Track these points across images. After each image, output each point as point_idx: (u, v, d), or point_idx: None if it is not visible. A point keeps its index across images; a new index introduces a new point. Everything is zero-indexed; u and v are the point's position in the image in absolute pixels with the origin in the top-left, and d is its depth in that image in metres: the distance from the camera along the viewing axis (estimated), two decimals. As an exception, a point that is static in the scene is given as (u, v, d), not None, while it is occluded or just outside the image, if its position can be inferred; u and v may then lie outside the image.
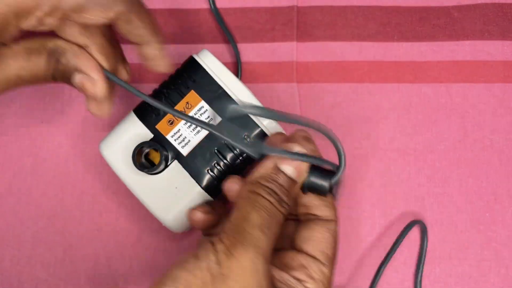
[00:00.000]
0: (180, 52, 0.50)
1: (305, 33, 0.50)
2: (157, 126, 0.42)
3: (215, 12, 0.50)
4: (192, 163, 0.42)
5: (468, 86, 0.49)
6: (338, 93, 0.49)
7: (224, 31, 0.50)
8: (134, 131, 0.43)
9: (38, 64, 0.36)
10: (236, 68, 0.50)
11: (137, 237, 0.48)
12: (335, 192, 0.38)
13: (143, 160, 0.43)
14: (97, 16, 0.35)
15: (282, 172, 0.36)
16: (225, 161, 0.42)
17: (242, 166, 0.43)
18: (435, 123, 0.49)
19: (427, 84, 0.49)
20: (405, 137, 0.49)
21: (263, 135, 0.43)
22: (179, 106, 0.42)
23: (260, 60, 0.50)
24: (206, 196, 0.42)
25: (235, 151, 0.42)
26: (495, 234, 0.47)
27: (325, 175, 0.37)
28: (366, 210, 0.48)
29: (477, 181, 0.48)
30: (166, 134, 0.42)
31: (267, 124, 0.43)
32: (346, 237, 0.48)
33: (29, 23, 0.34)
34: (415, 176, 0.48)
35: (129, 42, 0.38)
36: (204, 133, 0.42)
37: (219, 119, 0.42)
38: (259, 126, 0.42)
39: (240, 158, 0.43)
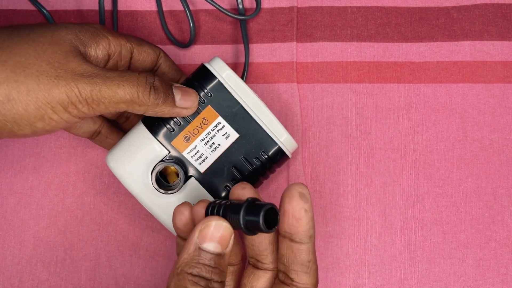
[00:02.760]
0: (180, 52, 0.50)
1: (305, 34, 0.50)
2: (173, 143, 0.41)
3: (242, 20, 0.49)
4: (209, 180, 0.42)
5: (468, 86, 0.50)
6: (337, 93, 0.50)
7: (242, 33, 0.49)
8: (148, 147, 0.42)
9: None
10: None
11: (138, 237, 0.48)
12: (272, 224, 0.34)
13: (158, 177, 0.42)
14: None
15: (205, 251, 0.34)
16: (241, 175, 0.42)
17: (258, 178, 0.43)
18: (435, 123, 0.49)
19: (427, 84, 0.50)
20: (404, 137, 0.49)
21: (280, 152, 0.43)
22: (196, 122, 0.41)
23: (260, 60, 0.50)
24: None
25: (253, 166, 0.42)
26: (494, 233, 0.48)
27: (256, 211, 0.33)
28: (366, 210, 0.48)
29: (476, 181, 0.48)
30: (183, 151, 0.41)
31: (284, 141, 0.43)
32: (346, 237, 0.48)
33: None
34: (414, 176, 0.48)
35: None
36: (221, 149, 0.42)
37: (236, 135, 0.42)
38: (276, 144, 0.42)
39: (257, 171, 0.43)
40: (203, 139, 0.41)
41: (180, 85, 0.41)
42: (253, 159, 0.42)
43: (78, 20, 0.51)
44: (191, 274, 0.33)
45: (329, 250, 0.48)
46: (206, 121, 0.41)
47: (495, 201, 0.48)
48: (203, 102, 0.41)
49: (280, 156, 0.43)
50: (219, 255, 0.34)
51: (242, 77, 0.49)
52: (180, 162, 0.41)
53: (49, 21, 0.50)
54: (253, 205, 0.34)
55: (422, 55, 0.50)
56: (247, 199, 0.34)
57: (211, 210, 0.36)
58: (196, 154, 0.42)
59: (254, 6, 0.50)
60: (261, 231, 0.33)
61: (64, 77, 0.36)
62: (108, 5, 0.51)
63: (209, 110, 0.41)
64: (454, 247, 0.47)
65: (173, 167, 0.41)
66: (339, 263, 0.47)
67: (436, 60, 0.50)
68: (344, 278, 0.47)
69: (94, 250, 0.48)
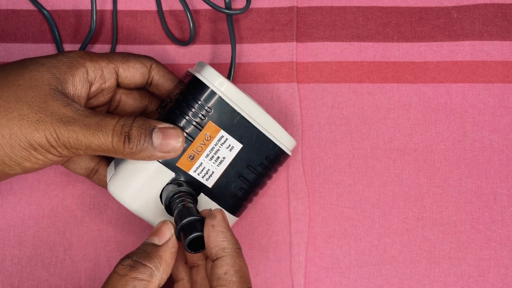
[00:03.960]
0: (180, 51, 0.50)
1: (305, 34, 0.50)
2: (178, 164, 0.40)
3: (228, 14, 0.47)
4: (218, 193, 0.42)
5: (468, 86, 0.50)
6: (338, 93, 0.50)
7: (230, 32, 0.48)
8: (152, 171, 0.40)
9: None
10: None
11: (138, 237, 0.48)
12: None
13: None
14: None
15: (143, 243, 0.38)
16: (248, 183, 0.42)
17: (263, 180, 0.44)
18: (435, 123, 0.49)
19: (427, 84, 0.50)
20: (404, 137, 0.49)
21: (283, 153, 0.43)
22: (199, 139, 0.40)
23: (260, 60, 0.50)
24: (234, 219, 0.43)
25: (259, 172, 0.42)
26: (494, 233, 0.48)
27: (188, 232, 0.37)
28: (366, 210, 0.48)
29: (476, 181, 0.48)
30: (189, 170, 0.41)
31: (284, 141, 0.43)
32: (346, 237, 0.48)
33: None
34: (414, 176, 0.48)
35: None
36: (226, 162, 0.41)
37: (240, 146, 0.41)
38: (279, 146, 0.42)
39: (261, 175, 0.43)
40: (207, 155, 0.41)
41: (165, 126, 0.39)
42: (258, 166, 0.42)
43: (77, 20, 0.51)
44: (122, 258, 0.37)
45: (329, 250, 0.48)
46: (209, 137, 0.40)
47: (495, 201, 0.48)
48: (203, 118, 0.40)
49: (282, 157, 0.43)
50: (153, 245, 0.37)
51: (229, 74, 0.48)
52: (188, 182, 0.41)
53: (48, 21, 0.50)
54: (188, 226, 0.37)
55: (422, 55, 0.50)
56: (190, 219, 0.37)
57: (172, 198, 0.40)
58: (202, 171, 0.41)
59: (242, 6, 0.50)
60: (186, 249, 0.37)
61: (44, 122, 0.37)
62: (108, 5, 0.51)
63: (210, 125, 0.40)
64: (454, 247, 0.47)
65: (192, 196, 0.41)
66: (339, 263, 0.47)
67: (436, 60, 0.50)
68: (344, 278, 0.47)
69: (94, 250, 0.48)
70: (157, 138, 0.38)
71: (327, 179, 0.48)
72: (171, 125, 0.39)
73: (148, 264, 0.36)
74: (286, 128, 0.49)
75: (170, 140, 0.39)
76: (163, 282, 0.36)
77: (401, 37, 0.50)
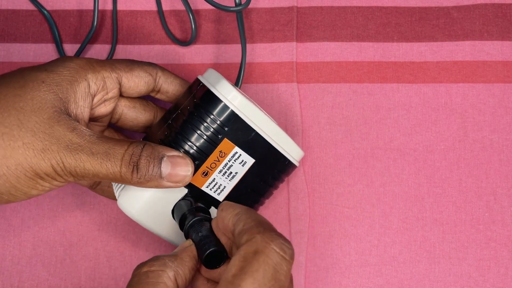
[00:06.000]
0: (180, 51, 0.50)
1: (305, 34, 0.50)
2: (191, 180, 0.40)
3: (238, 13, 0.45)
4: None
5: (468, 86, 0.50)
6: (338, 93, 0.50)
7: (240, 33, 0.46)
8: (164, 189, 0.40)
9: None
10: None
11: (137, 237, 0.48)
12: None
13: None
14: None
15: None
16: (257, 195, 0.43)
17: (271, 191, 0.44)
18: (435, 123, 0.49)
19: (427, 84, 0.50)
20: (404, 137, 0.49)
21: (292, 165, 0.43)
22: (213, 156, 0.40)
23: (260, 60, 0.50)
24: None
25: (269, 185, 0.43)
26: (494, 233, 0.48)
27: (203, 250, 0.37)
28: (366, 210, 0.48)
29: (476, 181, 0.48)
30: (201, 186, 0.41)
31: (294, 155, 0.43)
32: (346, 237, 0.48)
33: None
34: (414, 176, 0.48)
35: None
36: (238, 177, 0.41)
37: (252, 161, 0.41)
38: (289, 160, 0.43)
39: (270, 187, 0.43)
40: (220, 171, 0.40)
41: (173, 154, 0.38)
42: (268, 179, 0.43)
43: (77, 20, 0.51)
44: None
45: (329, 250, 0.48)
46: (223, 154, 0.40)
47: (495, 201, 0.48)
48: (218, 134, 0.39)
49: (291, 169, 0.44)
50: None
51: (239, 75, 0.46)
52: (200, 197, 0.41)
53: (48, 21, 0.50)
54: (202, 243, 0.37)
55: (422, 55, 0.50)
56: (202, 236, 0.38)
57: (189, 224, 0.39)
58: (214, 186, 0.41)
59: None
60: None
61: (49, 150, 0.36)
62: (108, 5, 0.51)
63: (225, 142, 0.40)
64: (454, 247, 0.47)
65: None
66: (339, 263, 0.47)
67: (436, 60, 0.50)
68: (344, 278, 0.47)
69: (94, 250, 0.48)
70: (166, 168, 0.38)
71: (327, 179, 0.48)
72: (180, 154, 0.39)
73: (161, 256, 0.36)
74: (286, 128, 0.49)
75: (179, 171, 0.38)
76: (180, 280, 0.36)
77: (401, 37, 0.50)
